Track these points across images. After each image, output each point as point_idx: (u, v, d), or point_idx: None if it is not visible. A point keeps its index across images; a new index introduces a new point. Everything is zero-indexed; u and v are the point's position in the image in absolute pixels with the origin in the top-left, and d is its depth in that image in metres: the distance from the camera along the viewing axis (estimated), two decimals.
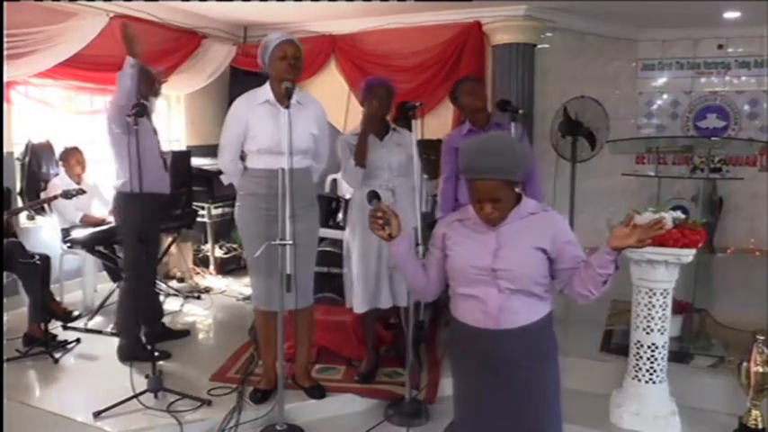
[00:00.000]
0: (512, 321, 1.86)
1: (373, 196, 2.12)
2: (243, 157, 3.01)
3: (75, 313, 4.09)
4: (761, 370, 2.75)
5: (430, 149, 4.14)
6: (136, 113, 3.06)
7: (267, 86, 2.92)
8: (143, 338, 3.61)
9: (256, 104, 2.90)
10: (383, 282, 3.21)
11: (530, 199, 1.94)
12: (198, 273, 5.53)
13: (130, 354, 3.47)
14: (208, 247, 5.72)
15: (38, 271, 3.77)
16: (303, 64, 2.94)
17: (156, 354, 3.37)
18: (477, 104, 3.37)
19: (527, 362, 1.88)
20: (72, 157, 4.48)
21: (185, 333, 3.99)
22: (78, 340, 3.82)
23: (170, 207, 4.47)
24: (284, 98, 2.77)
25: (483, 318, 1.88)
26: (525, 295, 1.86)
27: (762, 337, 2.79)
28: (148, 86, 3.53)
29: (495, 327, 1.86)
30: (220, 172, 3.19)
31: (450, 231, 1.97)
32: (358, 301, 3.25)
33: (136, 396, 2.97)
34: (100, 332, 3.95)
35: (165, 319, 4.10)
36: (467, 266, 1.89)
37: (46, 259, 3.97)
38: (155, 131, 3.60)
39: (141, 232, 3.22)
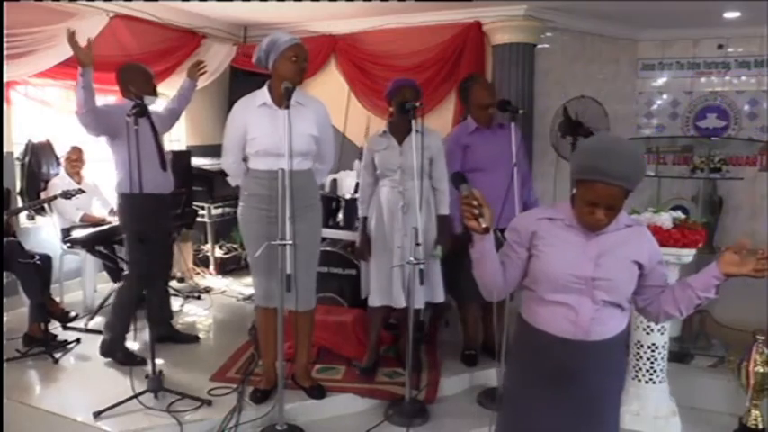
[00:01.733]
0: (600, 333, 1.78)
1: (461, 180, 1.84)
2: (246, 159, 3.01)
3: (73, 314, 4.09)
4: (761, 370, 2.75)
5: None
6: (136, 113, 3.06)
7: (265, 89, 2.93)
8: (127, 340, 3.63)
9: (254, 107, 2.91)
10: (395, 282, 3.21)
11: (623, 210, 1.80)
12: (198, 273, 5.53)
13: (110, 351, 3.52)
14: (208, 247, 5.72)
15: (38, 271, 3.77)
16: (306, 68, 2.99)
17: (139, 359, 3.46)
18: (489, 101, 3.38)
19: (603, 375, 1.83)
20: (73, 157, 4.48)
21: (194, 339, 3.93)
22: (78, 340, 3.82)
23: (170, 207, 4.48)
24: (283, 99, 2.77)
25: (572, 328, 1.77)
26: (615, 307, 1.79)
27: (762, 337, 2.79)
28: (143, 85, 3.49)
29: (584, 338, 1.77)
30: (222, 172, 3.20)
31: (540, 230, 1.81)
32: (373, 295, 3.29)
33: (136, 396, 2.97)
34: (100, 332, 3.92)
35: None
36: (562, 272, 1.76)
37: (47, 259, 3.97)
38: (154, 131, 3.54)
39: (140, 232, 3.23)
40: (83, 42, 3.22)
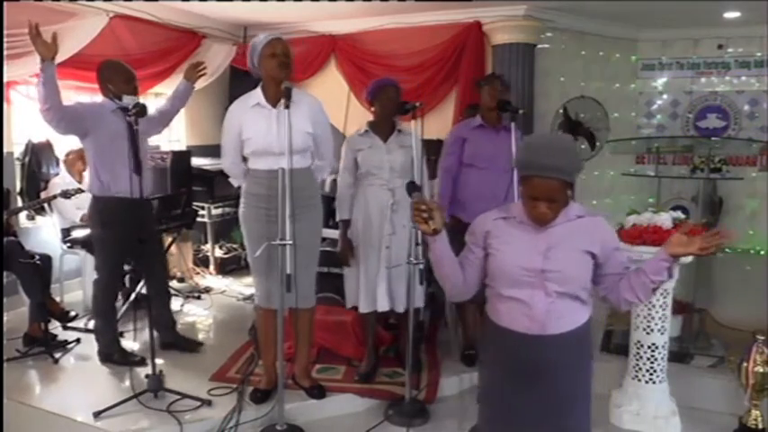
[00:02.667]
0: (557, 326, 1.82)
1: (413, 188, 2.01)
2: (245, 159, 3.01)
3: (73, 313, 4.10)
4: (761, 370, 2.75)
5: (430, 149, 4.15)
6: (136, 113, 3.05)
7: (258, 89, 2.92)
8: (121, 341, 3.64)
9: (248, 108, 2.91)
10: (381, 284, 3.21)
11: (576, 203, 1.89)
12: (198, 273, 5.53)
13: (107, 356, 3.51)
14: (208, 247, 5.72)
15: (38, 271, 3.77)
16: (293, 63, 2.91)
17: (137, 359, 3.47)
18: (493, 105, 3.38)
19: (568, 368, 1.85)
20: (74, 157, 4.49)
21: (197, 345, 3.80)
22: (78, 340, 3.82)
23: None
24: (277, 98, 2.78)
25: (528, 323, 1.82)
26: (571, 299, 1.83)
27: (762, 337, 2.79)
28: (122, 84, 3.36)
29: (541, 332, 1.81)
30: (222, 172, 3.19)
31: (494, 229, 1.89)
32: (361, 301, 3.27)
33: (136, 396, 2.97)
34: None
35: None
36: (514, 267, 1.82)
37: (47, 259, 3.97)
38: (131, 132, 3.22)
39: (104, 236, 3.28)
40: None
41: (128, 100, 3.27)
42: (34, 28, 2.96)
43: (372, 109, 3.31)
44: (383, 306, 3.23)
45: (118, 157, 3.26)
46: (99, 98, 3.51)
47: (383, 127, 3.24)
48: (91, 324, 4.10)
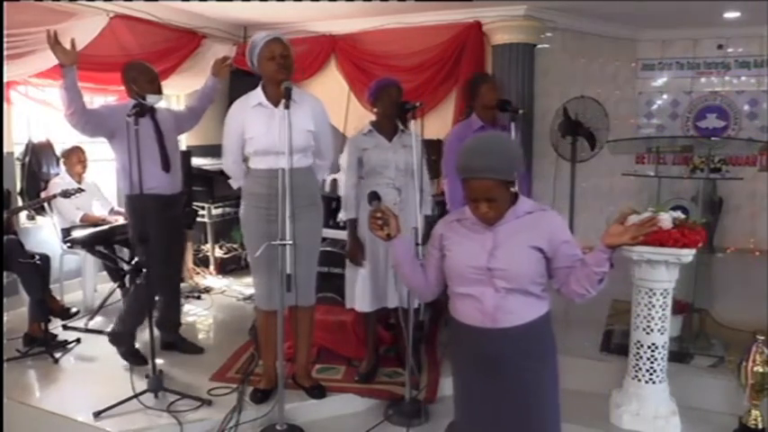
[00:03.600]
0: (508, 320, 1.86)
1: (374, 197, 2.13)
2: (246, 159, 3.01)
3: (74, 310, 4.09)
4: (761, 370, 2.75)
5: (430, 149, 4.15)
6: (136, 113, 3.05)
7: (259, 89, 2.92)
8: (136, 339, 3.62)
9: (250, 107, 2.91)
10: (389, 281, 3.22)
11: (526, 198, 1.94)
12: (198, 273, 5.53)
13: (116, 341, 3.53)
14: (208, 247, 5.72)
15: (38, 271, 3.77)
16: (293, 62, 2.91)
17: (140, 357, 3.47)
18: (495, 103, 3.38)
19: (525, 361, 1.88)
20: (74, 156, 4.49)
21: (198, 350, 3.75)
22: (78, 340, 3.82)
23: (177, 208, 4.47)
24: (278, 98, 2.78)
25: (480, 317, 1.88)
26: (522, 294, 1.86)
27: (762, 337, 2.79)
28: (145, 84, 3.43)
29: (492, 326, 1.86)
30: (221, 172, 3.19)
31: (447, 231, 1.97)
32: (365, 301, 3.26)
33: (136, 396, 2.97)
34: (100, 332, 3.94)
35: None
36: (463, 266, 1.89)
37: (46, 259, 3.97)
38: (158, 130, 3.43)
39: (142, 233, 3.19)
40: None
41: (151, 99, 3.36)
42: (53, 37, 3.02)
43: (375, 109, 3.30)
44: (393, 302, 3.23)
45: (148, 156, 3.28)
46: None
47: (386, 126, 3.24)
48: (91, 324, 4.11)
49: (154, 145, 3.41)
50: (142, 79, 3.44)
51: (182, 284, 5.13)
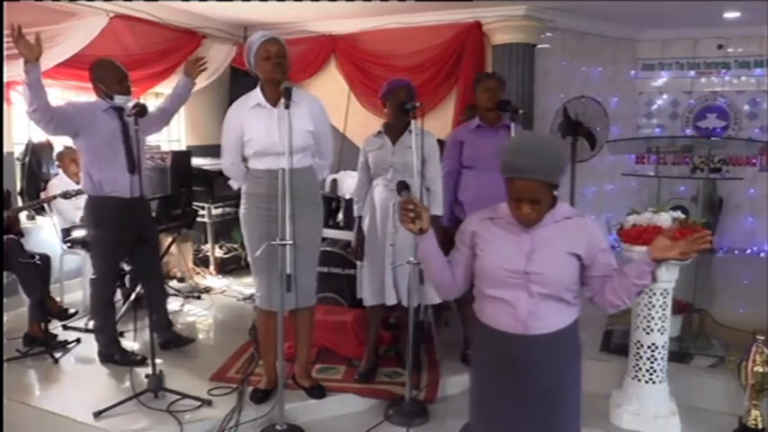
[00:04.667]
0: (540, 327, 1.81)
1: (403, 187, 2.04)
2: (245, 159, 3.01)
3: (72, 311, 4.09)
4: (761, 370, 2.75)
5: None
6: (136, 113, 3.05)
7: (258, 89, 2.92)
8: (121, 341, 3.64)
9: (248, 108, 2.90)
10: (388, 278, 3.22)
11: (565, 203, 1.89)
12: (198, 273, 5.53)
13: (107, 356, 3.52)
14: (208, 247, 5.72)
15: (38, 271, 3.77)
16: (289, 61, 2.90)
17: (138, 358, 3.48)
18: (488, 105, 3.39)
19: (552, 368, 1.84)
20: (66, 157, 4.48)
21: (190, 340, 3.83)
22: (78, 340, 3.82)
23: (170, 207, 4.48)
24: (276, 98, 2.78)
25: (512, 322, 1.82)
26: (555, 301, 1.82)
27: (762, 337, 2.79)
28: (112, 83, 3.35)
29: (524, 332, 1.81)
30: (221, 172, 3.19)
31: (480, 230, 1.90)
32: (366, 295, 3.31)
33: (136, 396, 2.97)
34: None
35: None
36: (498, 268, 1.83)
37: (46, 259, 3.97)
38: (124, 132, 3.31)
39: (98, 236, 3.29)
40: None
41: (119, 100, 3.30)
42: (17, 29, 2.96)
43: (385, 110, 3.33)
44: (391, 299, 3.25)
45: (111, 157, 3.26)
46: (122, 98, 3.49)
47: (394, 128, 3.25)
48: (91, 324, 4.10)
49: (120, 146, 3.31)
50: (109, 78, 3.35)
51: (182, 284, 5.18)
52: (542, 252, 1.80)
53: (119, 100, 3.29)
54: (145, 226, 3.28)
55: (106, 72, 3.37)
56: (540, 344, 1.81)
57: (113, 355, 3.51)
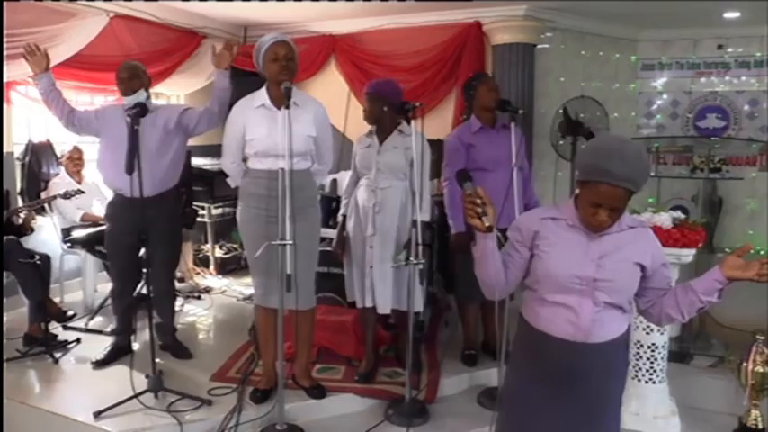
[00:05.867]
0: (601, 335, 1.77)
1: (466, 178, 1.79)
2: (245, 159, 3.01)
3: (70, 313, 4.10)
4: (761, 370, 2.75)
5: (430, 149, 4.13)
6: (136, 113, 3.05)
7: (263, 90, 2.93)
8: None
9: (253, 108, 2.91)
10: (378, 284, 3.22)
11: (626, 212, 1.80)
12: (198, 273, 5.53)
13: (102, 362, 3.52)
14: (208, 247, 5.72)
15: (37, 271, 3.76)
16: (297, 64, 2.91)
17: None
18: (493, 104, 3.38)
19: (605, 376, 1.82)
20: (74, 156, 4.49)
21: (188, 355, 3.68)
22: (78, 340, 3.82)
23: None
24: (281, 100, 2.78)
25: (572, 330, 1.76)
26: (617, 309, 1.78)
27: (762, 337, 2.79)
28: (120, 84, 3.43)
29: (584, 340, 1.76)
30: (222, 172, 3.18)
31: (543, 230, 1.80)
32: (357, 297, 3.32)
33: (136, 396, 2.97)
34: (100, 332, 3.95)
35: None
36: (565, 273, 1.75)
37: (46, 259, 3.97)
38: (132, 131, 3.23)
39: (105, 232, 3.38)
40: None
41: (127, 100, 3.36)
42: (34, 47, 3.24)
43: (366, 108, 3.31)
44: (382, 309, 3.23)
45: (116, 156, 3.26)
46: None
47: (383, 127, 3.25)
48: (91, 324, 4.11)
49: (123, 146, 3.25)
50: (119, 79, 3.47)
51: (182, 284, 5.17)
52: (611, 260, 1.74)
53: (126, 100, 3.38)
54: (149, 226, 3.25)
55: (118, 73, 3.47)
56: (598, 352, 1.78)
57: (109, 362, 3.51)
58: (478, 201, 1.67)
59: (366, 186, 3.23)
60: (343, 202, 3.38)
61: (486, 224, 1.67)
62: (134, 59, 4.01)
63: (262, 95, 2.92)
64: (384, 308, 3.23)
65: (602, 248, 1.75)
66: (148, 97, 3.44)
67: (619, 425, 1.93)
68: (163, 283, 3.57)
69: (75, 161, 4.50)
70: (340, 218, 3.40)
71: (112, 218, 3.52)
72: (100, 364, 3.47)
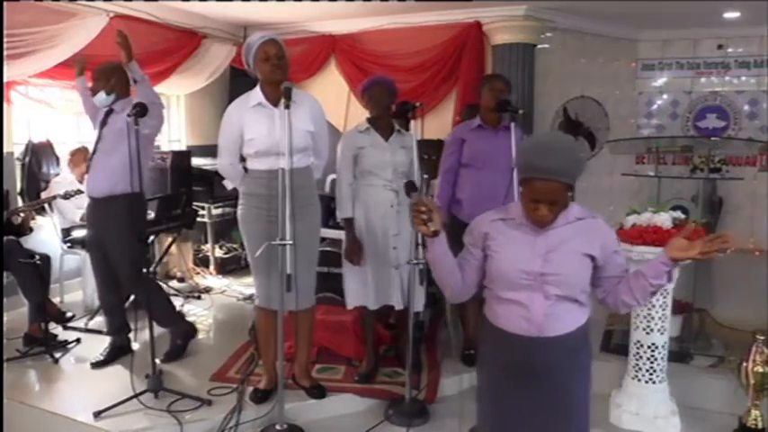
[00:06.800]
0: (556, 329, 1.80)
1: (411, 188, 1.96)
2: (243, 159, 3.01)
3: (69, 314, 4.09)
4: (761, 370, 2.75)
5: (430, 149, 4.15)
6: (135, 113, 3.05)
7: (257, 89, 2.92)
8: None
9: (249, 108, 2.90)
10: (394, 282, 3.21)
11: (576, 204, 1.85)
12: (198, 273, 5.53)
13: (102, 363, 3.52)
14: (208, 247, 5.72)
15: (37, 271, 3.76)
16: (288, 62, 2.90)
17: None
18: (495, 101, 3.38)
19: (567, 370, 1.84)
20: (80, 156, 4.48)
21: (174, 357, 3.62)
22: (78, 340, 3.82)
23: (170, 207, 4.48)
24: (276, 99, 2.79)
25: (526, 325, 1.80)
26: (570, 302, 1.81)
27: (762, 337, 2.79)
28: (101, 82, 3.44)
29: (538, 334, 1.80)
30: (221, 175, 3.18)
31: (493, 231, 1.86)
32: (370, 298, 3.27)
33: (136, 396, 2.97)
34: (100, 332, 3.94)
35: None
36: (514, 270, 1.80)
37: (46, 259, 3.97)
38: (101, 132, 3.39)
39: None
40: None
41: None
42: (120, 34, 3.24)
43: (367, 108, 3.29)
44: (399, 304, 3.22)
45: (100, 156, 3.40)
46: (98, 97, 3.51)
47: (382, 125, 3.22)
48: (91, 324, 4.11)
49: (108, 147, 3.39)
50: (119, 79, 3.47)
51: (182, 284, 5.18)
52: (558, 253, 1.78)
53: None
54: (105, 227, 3.37)
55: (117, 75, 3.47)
56: (555, 346, 1.80)
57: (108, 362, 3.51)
58: (423, 208, 1.75)
59: (382, 187, 3.19)
60: (345, 204, 3.22)
61: (432, 229, 1.76)
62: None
63: (256, 94, 2.91)
64: (418, 305, 3.19)
65: (549, 243, 1.79)
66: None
67: (587, 420, 1.93)
68: (145, 284, 3.42)
69: (78, 161, 4.48)
70: (345, 221, 3.24)
71: (88, 219, 3.58)
72: (99, 364, 3.47)
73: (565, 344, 1.82)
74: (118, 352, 3.55)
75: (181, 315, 3.78)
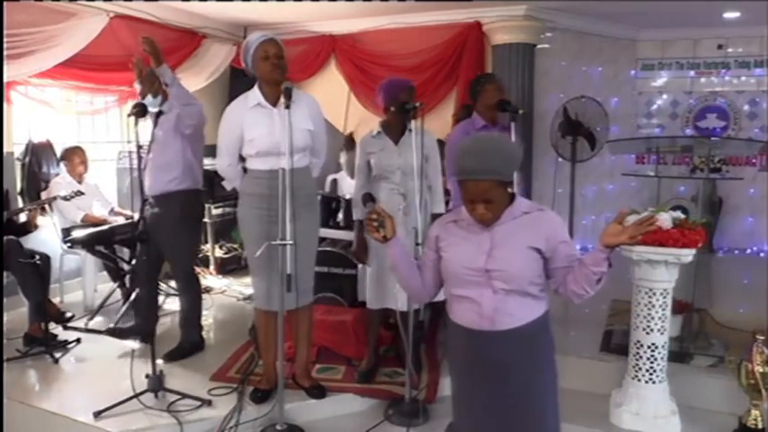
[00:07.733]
0: (507, 322, 1.84)
1: (368, 199, 2.13)
2: (243, 160, 3.01)
3: (69, 315, 4.09)
4: (761, 370, 2.75)
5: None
6: (135, 114, 3.05)
7: (256, 89, 2.91)
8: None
9: (248, 108, 2.89)
10: (395, 283, 3.21)
11: (524, 198, 1.93)
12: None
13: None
14: (208, 247, 5.72)
15: (37, 271, 3.76)
16: (287, 62, 2.90)
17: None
18: (498, 100, 3.38)
19: (523, 362, 1.87)
20: (75, 156, 4.49)
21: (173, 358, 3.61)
22: (78, 340, 3.82)
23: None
24: (276, 99, 2.79)
25: (478, 319, 1.86)
26: (520, 295, 1.85)
27: (762, 337, 2.79)
28: (147, 85, 3.52)
29: (491, 328, 1.84)
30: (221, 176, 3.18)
31: (443, 233, 1.96)
32: (371, 299, 3.28)
33: (136, 396, 2.97)
34: (100, 332, 3.95)
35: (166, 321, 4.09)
36: (460, 268, 1.88)
37: (46, 259, 3.96)
38: (153, 133, 3.38)
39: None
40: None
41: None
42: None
43: (391, 109, 3.22)
44: (402, 306, 3.22)
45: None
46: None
47: (394, 128, 3.21)
48: (91, 324, 4.11)
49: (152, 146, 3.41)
50: (145, 80, 3.58)
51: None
52: (502, 249, 1.84)
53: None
54: (161, 223, 3.43)
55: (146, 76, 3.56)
56: (508, 339, 1.85)
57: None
58: (374, 216, 1.92)
59: (391, 189, 3.19)
60: (357, 206, 3.26)
61: (383, 234, 1.93)
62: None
63: (255, 95, 2.91)
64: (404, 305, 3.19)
65: (494, 240, 1.85)
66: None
67: (556, 414, 1.95)
68: (147, 283, 3.74)
69: (75, 162, 4.48)
70: (356, 223, 3.30)
71: (150, 217, 3.48)
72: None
73: (519, 337, 1.85)
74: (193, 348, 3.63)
75: (200, 326, 3.81)
